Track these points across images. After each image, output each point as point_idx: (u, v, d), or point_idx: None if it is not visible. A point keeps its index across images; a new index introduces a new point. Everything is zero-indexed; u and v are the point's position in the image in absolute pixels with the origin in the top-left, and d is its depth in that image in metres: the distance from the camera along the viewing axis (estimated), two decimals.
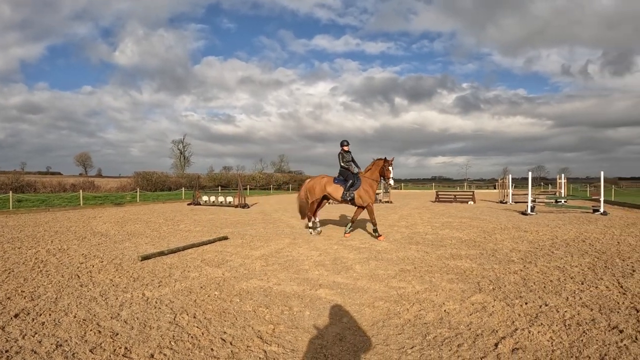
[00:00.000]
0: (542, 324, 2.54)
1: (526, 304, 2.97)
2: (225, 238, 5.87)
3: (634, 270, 3.87)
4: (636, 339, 2.21)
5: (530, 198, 10.22)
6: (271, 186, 30.65)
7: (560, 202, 12.34)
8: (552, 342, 2.24)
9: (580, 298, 3.07)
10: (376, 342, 2.32)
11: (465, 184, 43.05)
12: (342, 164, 6.29)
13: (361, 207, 6.16)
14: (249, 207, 12.78)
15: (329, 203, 7.58)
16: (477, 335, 2.41)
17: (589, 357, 2.01)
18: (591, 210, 10.21)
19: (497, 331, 2.45)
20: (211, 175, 33.90)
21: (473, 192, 18.26)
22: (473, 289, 3.39)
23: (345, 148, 6.30)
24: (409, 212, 11.37)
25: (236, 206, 12.72)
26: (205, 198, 14.35)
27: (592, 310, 2.75)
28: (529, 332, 2.40)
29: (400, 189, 34.44)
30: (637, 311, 2.68)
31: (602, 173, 10.26)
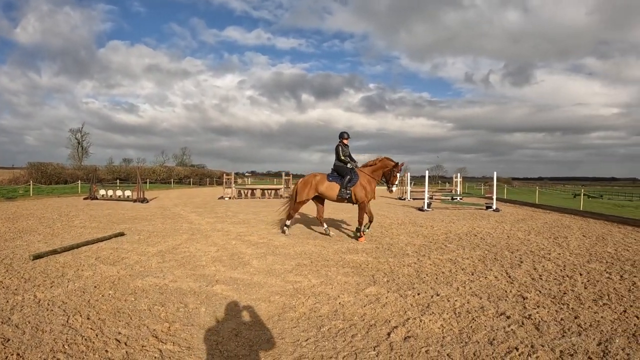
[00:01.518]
0: (433, 312, 5.12)
1: (419, 294, 5.89)
2: (122, 234, 10.93)
3: (521, 262, 8.13)
4: (522, 324, 4.74)
5: (427, 195, 21.13)
6: (172, 180, 61.26)
7: (456, 199, 25.91)
8: (442, 330, 4.59)
9: (470, 288, 6.28)
10: (272, 336, 4.41)
11: None
12: (341, 158, 10.87)
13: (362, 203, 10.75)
14: (148, 202, 24.20)
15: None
16: (371, 325, 4.69)
17: (478, 342, 4.29)
18: (484, 207, 20.98)
19: (389, 321, 4.82)
20: (110, 168, 66.00)
21: None
22: (368, 281, 6.60)
23: (345, 141, 11.06)
24: (312, 208, 18.45)
25: (135, 200, 24.13)
26: (102, 192, 26.63)
27: (481, 298, 5.70)
28: (421, 321, 4.82)
29: None
30: (524, 299, 5.67)
31: (495, 173, 21.90)
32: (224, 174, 32.25)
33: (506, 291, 6.14)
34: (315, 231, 12.10)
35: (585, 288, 6.39)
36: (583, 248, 9.86)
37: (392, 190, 10.89)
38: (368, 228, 11.27)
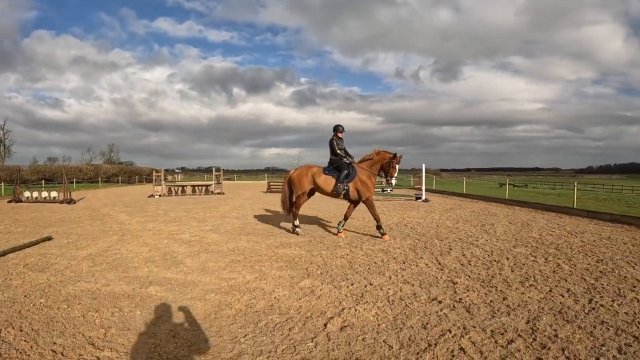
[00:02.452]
0: (367, 302, 5.36)
1: (352, 285, 6.15)
2: (49, 238, 10.45)
3: (450, 249, 8.73)
4: (454, 307, 5.14)
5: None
6: (100, 179, 59.19)
7: (387, 191, 25.44)
8: (377, 317, 4.84)
9: (402, 276, 6.63)
10: (209, 335, 4.46)
11: None
12: (336, 152, 10.74)
13: (354, 202, 10.70)
14: (75, 203, 23.27)
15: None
16: (307, 317, 4.88)
17: (412, 327, 4.64)
18: (414, 198, 21.60)
19: (325, 312, 4.98)
20: (34, 168, 62.29)
21: None
22: (302, 274, 6.85)
23: (340, 134, 11.03)
24: (240, 203, 21.21)
25: (61, 202, 23.26)
26: (27, 194, 25.67)
27: (413, 285, 6.08)
28: (356, 310, 5.04)
29: (234, 179, 65.25)
30: (454, 284, 6.16)
31: (423, 165, 25.19)
32: (154, 171, 31.62)
33: (437, 277, 6.45)
34: (248, 227, 12.15)
35: (512, 271, 6.82)
36: (509, 234, 10.48)
37: (391, 183, 10.80)
38: (343, 225, 11.05)
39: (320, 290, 5.88)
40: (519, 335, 4.28)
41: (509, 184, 30.37)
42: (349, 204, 10.96)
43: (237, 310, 5.13)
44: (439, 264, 7.34)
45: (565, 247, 8.88)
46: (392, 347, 4.01)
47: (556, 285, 6.04)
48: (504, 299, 5.40)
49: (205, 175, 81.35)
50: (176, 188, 29.86)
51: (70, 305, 5.35)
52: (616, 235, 10.42)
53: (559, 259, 7.71)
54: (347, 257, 7.83)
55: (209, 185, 31.06)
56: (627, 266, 7.19)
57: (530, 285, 6.06)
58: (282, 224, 12.65)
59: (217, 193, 28.95)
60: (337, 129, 11.03)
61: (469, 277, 6.49)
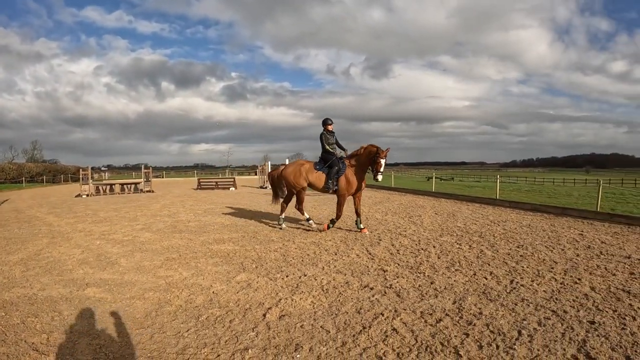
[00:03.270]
0: (303, 291, 5.69)
1: (287, 276, 6.40)
2: None
3: (380, 240, 9.37)
4: (385, 293, 5.67)
5: None
6: (24, 179, 55.64)
7: None
8: (313, 305, 5.24)
9: (335, 266, 7.07)
10: (153, 332, 4.59)
11: (227, 170, 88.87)
12: (326, 147, 10.57)
13: (351, 196, 10.62)
14: None
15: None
16: (246, 309, 5.09)
17: (347, 312, 5.04)
18: None
19: (263, 303, 5.24)
20: None
21: (234, 178, 36.84)
22: (238, 269, 7.15)
23: (330, 127, 10.74)
24: (171, 200, 21.23)
25: None
26: None
27: (345, 275, 6.54)
28: (292, 300, 5.34)
29: (163, 177, 65.84)
30: (384, 271, 6.74)
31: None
32: (80, 170, 30.06)
33: (368, 266, 6.84)
34: (180, 224, 12.18)
35: (439, 258, 7.32)
36: (436, 224, 11.06)
37: (378, 179, 10.15)
38: (360, 222, 10.64)
39: (257, 283, 6.15)
40: (447, 314, 4.69)
41: (435, 178, 31.40)
42: (352, 199, 10.81)
43: (177, 306, 5.27)
44: (370, 254, 7.75)
45: (488, 234, 9.54)
46: (329, 332, 4.30)
47: (480, 269, 6.58)
48: (431, 283, 5.85)
49: (133, 173, 79.51)
50: (104, 187, 29.00)
51: (8, 313, 5.26)
52: (536, 223, 11.23)
53: (482, 245, 8.32)
54: (280, 251, 8.11)
55: (138, 183, 30.51)
56: (545, 250, 7.87)
57: (456, 270, 6.56)
58: (215, 219, 12.82)
59: (147, 191, 28.80)
60: (327, 122, 10.62)
61: (399, 264, 6.93)
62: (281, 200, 11.46)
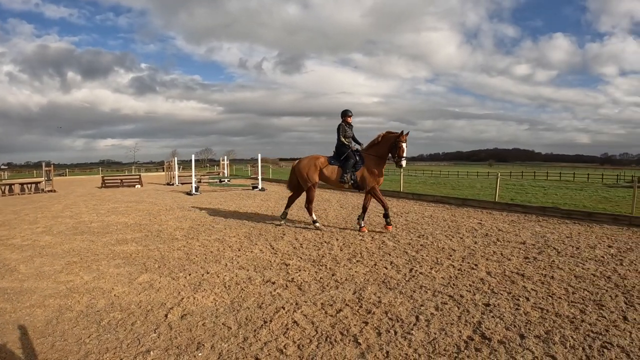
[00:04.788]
0: (205, 289, 5.67)
1: (190, 275, 6.35)
2: None
3: (284, 234, 9.63)
4: (287, 287, 5.82)
5: (194, 179, 22.82)
6: None
7: (224, 181, 26.95)
8: (215, 303, 5.25)
9: (238, 262, 7.07)
10: (54, 340, 4.41)
11: (133, 167, 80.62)
12: (342, 140, 10.22)
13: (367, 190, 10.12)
14: None
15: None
16: (148, 311, 5.02)
17: (249, 308, 5.11)
18: (251, 187, 22.72)
19: (165, 304, 5.19)
20: None
21: (140, 175, 34.77)
22: (140, 269, 7.01)
23: (349, 119, 10.42)
24: (73, 200, 19.93)
25: None
26: None
27: (248, 270, 6.64)
28: (194, 298, 5.33)
29: (66, 175, 60.20)
30: (287, 265, 6.92)
31: (259, 155, 26.65)
32: None
33: (271, 261, 6.96)
34: (82, 225, 11.66)
35: (341, 250, 7.56)
36: (340, 217, 11.43)
37: (401, 165, 9.74)
38: (363, 219, 10.08)
39: (159, 283, 6.09)
40: (347, 304, 4.86)
41: None
42: (364, 195, 10.27)
43: (79, 312, 5.11)
44: (273, 248, 7.88)
45: (394, 226, 9.88)
46: (230, 328, 4.34)
47: (381, 259, 6.84)
48: (332, 275, 6.03)
49: (35, 171, 74.82)
50: (3, 187, 27.20)
51: None
52: (437, 213, 11.81)
53: (384, 236, 8.69)
54: (184, 249, 8.01)
55: (39, 182, 28.40)
56: (445, 239, 8.32)
57: (357, 261, 6.80)
58: (119, 219, 12.40)
59: (48, 191, 26.85)
60: (346, 113, 10.29)
61: (301, 258, 7.09)
62: (308, 206, 10.58)
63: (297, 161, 11.02)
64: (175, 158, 32.17)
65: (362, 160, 9.97)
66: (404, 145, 9.51)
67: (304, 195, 10.74)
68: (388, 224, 9.75)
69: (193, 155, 23.92)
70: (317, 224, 10.29)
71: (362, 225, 9.88)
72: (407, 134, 9.61)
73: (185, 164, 57.10)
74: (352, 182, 9.95)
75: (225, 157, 36.72)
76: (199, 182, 24.98)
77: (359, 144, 10.36)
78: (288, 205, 11.21)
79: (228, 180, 27.30)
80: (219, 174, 35.08)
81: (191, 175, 23.82)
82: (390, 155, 9.87)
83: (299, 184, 10.80)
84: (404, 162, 9.62)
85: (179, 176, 31.00)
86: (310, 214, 10.48)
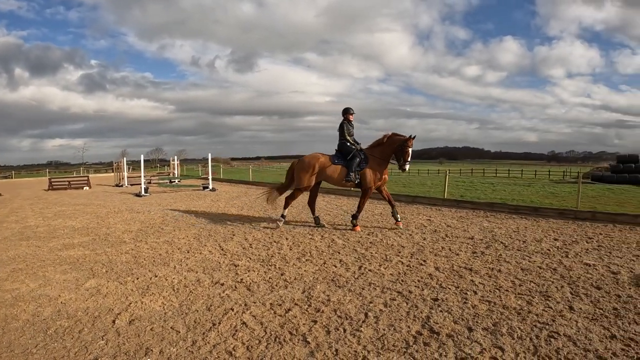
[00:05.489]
0: (153, 293, 5.58)
1: (138, 279, 6.24)
2: None
3: (233, 235, 9.42)
4: (236, 287, 5.76)
5: (143, 180, 22.15)
6: None
7: (174, 181, 26.79)
8: (164, 307, 5.15)
9: (187, 264, 6.94)
10: (0, 352, 4.25)
11: (82, 168, 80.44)
12: (347, 137, 10.15)
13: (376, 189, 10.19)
14: None
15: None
16: (95, 317, 4.92)
17: (197, 310, 5.06)
18: (201, 188, 22.61)
19: (113, 309, 5.10)
20: None
21: (88, 177, 34.43)
22: (87, 275, 6.77)
23: (351, 117, 10.37)
24: (19, 204, 19.48)
25: None
26: None
27: (197, 272, 6.52)
28: (142, 303, 5.24)
29: (12, 177, 60.15)
30: (236, 266, 6.82)
31: (209, 154, 26.31)
32: None
33: (220, 262, 6.92)
34: (28, 230, 11.27)
35: (291, 249, 7.59)
36: (290, 217, 11.35)
37: (404, 169, 9.78)
38: (397, 213, 10.07)
39: (107, 288, 5.97)
40: (296, 304, 4.88)
41: None
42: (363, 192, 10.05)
43: (25, 321, 4.99)
44: (222, 249, 7.84)
45: (342, 224, 10.05)
46: (179, 332, 4.30)
47: (330, 258, 6.91)
48: (282, 275, 6.06)
49: None
50: None
51: None
52: (387, 211, 11.89)
53: (334, 235, 8.77)
54: (132, 253, 7.86)
55: None
56: (394, 236, 8.46)
57: (307, 260, 6.85)
58: (66, 223, 12.10)
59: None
60: (348, 111, 10.24)
61: (250, 258, 7.08)
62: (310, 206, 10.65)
63: (298, 160, 10.63)
64: (125, 158, 31.47)
65: (366, 159, 9.93)
66: (410, 150, 9.61)
67: (305, 194, 10.79)
68: (355, 225, 9.84)
69: (142, 156, 23.37)
70: (281, 224, 10.24)
71: (356, 224, 9.86)
72: (414, 138, 9.67)
73: (135, 165, 56.33)
74: (357, 181, 9.89)
75: (176, 157, 36.62)
76: (149, 183, 24.64)
77: (357, 143, 10.30)
78: (312, 211, 10.82)
79: (178, 181, 27.05)
80: (169, 174, 34.00)
81: (141, 176, 22.89)
82: (395, 157, 9.89)
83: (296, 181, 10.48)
84: (407, 167, 9.72)
85: (128, 177, 29.71)
86: (285, 208, 10.50)
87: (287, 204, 10.57)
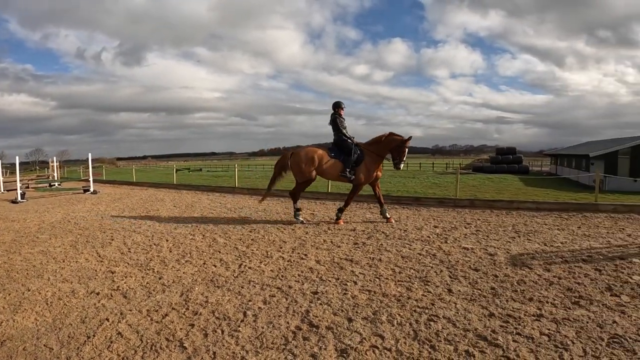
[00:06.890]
0: (25, 309, 5.17)
1: (10, 294, 5.73)
2: None
3: (112, 239, 9.03)
4: (112, 296, 5.54)
5: (19, 185, 20.27)
6: None
7: (54, 185, 25.00)
8: (36, 323, 4.78)
9: (62, 275, 6.51)
10: None
11: None
12: (342, 131, 10.13)
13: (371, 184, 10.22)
14: None
15: None
16: None
17: (71, 324, 4.78)
18: (82, 191, 21.39)
19: None
20: None
21: None
22: None
23: (342, 111, 10.34)
24: None
25: None
26: None
27: (72, 283, 6.14)
28: (14, 321, 4.83)
29: None
30: (113, 273, 6.54)
31: (89, 155, 23.79)
32: None
33: (96, 270, 6.61)
34: None
35: (170, 251, 7.44)
36: (172, 217, 11.18)
37: (399, 167, 9.86)
38: (386, 211, 10.07)
39: None
40: (173, 308, 4.78)
41: (185, 169, 31.74)
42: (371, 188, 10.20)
43: None
44: (99, 256, 7.52)
45: (223, 222, 10.01)
46: (52, 349, 4.06)
47: (210, 257, 6.87)
48: (160, 279, 5.91)
49: None
50: None
51: None
52: (272, 207, 12.16)
53: (215, 233, 8.69)
54: (4, 266, 7.22)
55: None
56: (276, 232, 8.54)
57: (186, 261, 6.75)
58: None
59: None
60: (339, 105, 10.18)
61: (128, 263, 6.85)
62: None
63: (290, 153, 10.46)
64: (0, 161, 28.92)
65: (362, 155, 9.97)
66: (406, 150, 9.82)
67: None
68: (337, 219, 10.00)
69: (17, 157, 21.71)
70: (300, 218, 10.23)
71: (340, 217, 10.00)
72: (410, 138, 9.85)
73: (13, 168, 54.06)
74: (353, 177, 9.90)
75: (55, 158, 34.40)
76: (26, 187, 22.31)
77: (352, 137, 10.31)
78: (295, 201, 10.57)
79: (58, 184, 25.37)
80: (48, 177, 31.84)
81: (17, 180, 21.21)
82: (390, 155, 10.01)
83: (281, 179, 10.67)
84: (402, 165, 9.91)
85: (4, 182, 27.10)
86: (295, 202, 10.42)
87: (295, 198, 10.45)
